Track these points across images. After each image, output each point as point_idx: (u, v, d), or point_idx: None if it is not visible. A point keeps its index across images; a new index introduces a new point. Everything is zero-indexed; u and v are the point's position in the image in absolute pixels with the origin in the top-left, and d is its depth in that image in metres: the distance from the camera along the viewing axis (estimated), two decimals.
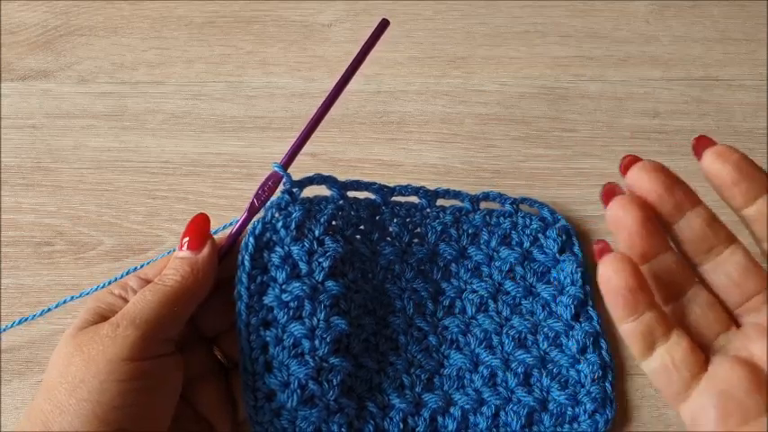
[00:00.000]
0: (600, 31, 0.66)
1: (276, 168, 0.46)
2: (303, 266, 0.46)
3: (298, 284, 0.46)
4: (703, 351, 0.37)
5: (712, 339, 0.37)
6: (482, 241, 0.54)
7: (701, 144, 0.36)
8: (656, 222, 0.36)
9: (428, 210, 0.53)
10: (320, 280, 0.47)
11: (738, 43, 0.65)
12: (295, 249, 0.46)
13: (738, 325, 0.38)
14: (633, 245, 0.36)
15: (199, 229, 0.46)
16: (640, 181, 0.36)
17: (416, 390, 0.50)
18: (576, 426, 0.51)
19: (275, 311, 0.46)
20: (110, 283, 0.50)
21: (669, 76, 0.64)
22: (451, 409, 0.50)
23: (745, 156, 0.35)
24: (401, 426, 0.49)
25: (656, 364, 0.36)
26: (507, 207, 0.55)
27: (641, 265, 0.36)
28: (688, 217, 0.36)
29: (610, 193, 0.37)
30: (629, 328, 0.36)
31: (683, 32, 0.66)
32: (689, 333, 0.37)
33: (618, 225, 0.36)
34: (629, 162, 0.37)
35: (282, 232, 0.47)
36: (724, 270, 0.37)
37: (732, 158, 0.35)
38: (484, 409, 0.50)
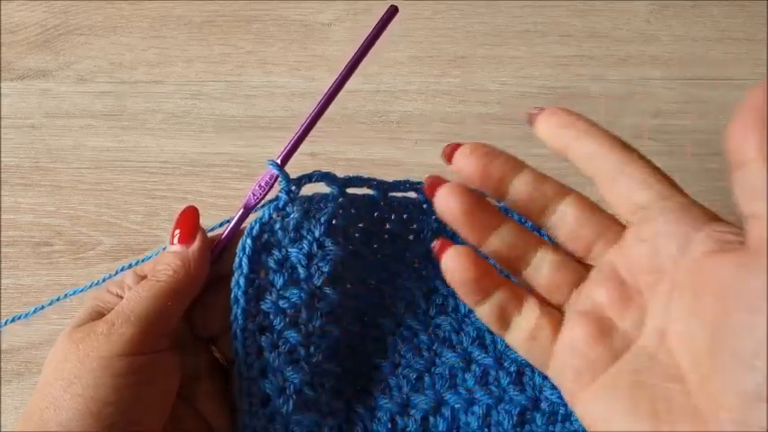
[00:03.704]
0: (600, 30, 0.66)
1: (270, 165, 0.46)
2: (302, 271, 0.46)
3: (296, 291, 0.46)
4: (560, 313, 0.37)
5: (567, 299, 0.38)
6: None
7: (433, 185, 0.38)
8: (483, 201, 0.38)
9: (425, 206, 0.52)
10: (319, 285, 0.46)
11: (739, 43, 0.65)
12: (293, 252, 0.46)
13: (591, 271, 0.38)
14: (464, 230, 0.37)
15: (188, 221, 0.46)
16: (461, 164, 0.38)
17: (404, 390, 0.50)
18: (568, 425, 0.51)
19: (271, 317, 0.46)
20: (104, 280, 0.50)
21: (669, 75, 0.64)
22: (442, 409, 0.50)
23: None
24: (389, 426, 0.49)
25: (515, 336, 0.38)
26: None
27: (483, 245, 0.38)
28: (514, 185, 0.37)
29: (433, 185, 0.38)
30: (482, 311, 0.38)
31: (683, 32, 0.66)
32: (543, 297, 0.38)
33: (446, 214, 0.37)
34: (451, 150, 0.38)
35: (280, 234, 0.46)
36: (562, 225, 0.37)
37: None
38: (475, 408, 0.50)
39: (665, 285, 0.33)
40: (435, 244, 0.38)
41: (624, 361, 0.34)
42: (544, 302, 0.38)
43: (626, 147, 0.36)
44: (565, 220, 0.37)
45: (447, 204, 0.37)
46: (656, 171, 0.35)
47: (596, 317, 0.36)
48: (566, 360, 0.36)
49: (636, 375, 0.33)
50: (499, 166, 0.38)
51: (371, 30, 0.47)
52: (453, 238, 0.54)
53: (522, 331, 0.37)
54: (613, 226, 0.37)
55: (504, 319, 0.38)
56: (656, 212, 0.34)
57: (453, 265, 0.37)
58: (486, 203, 0.38)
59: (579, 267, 0.38)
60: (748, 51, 0.65)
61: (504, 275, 0.38)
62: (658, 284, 0.34)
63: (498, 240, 0.38)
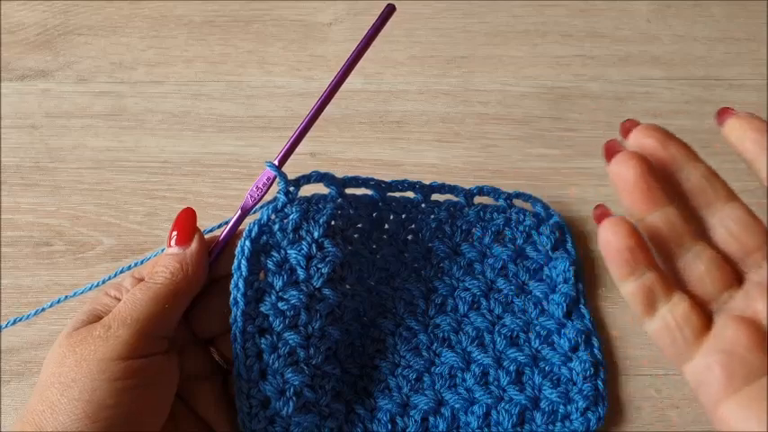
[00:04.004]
0: (601, 30, 0.66)
1: (268, 166, 0.46)
2: (301, 272, 0.46)
3: (295, 293, 0.46)
4: (706, 310, 0.37)
5: (716, 297, 0.37)
6: (475, 238, 0.54)
7: (724, 113, 0.38)
8: (657, 176, 0.36)
9: (423, 205, 0.52)
10: (318, 286, 0.46)
11: (739, 43, 0.65)
12: (292, 253, 0.46)
13: (742, 282, 0.37)
14: (635, 198, 0.36)
15: (186, 223, 0.46)
16: (639, 140, 0.38)
17: (404, 390, 0.50)
18: (567, 424, 0.51)
19: (271, 319, 0.46)
20: (104, 281, 0.50)
21: (670, 75, 0.64)
22: (442, 409, 0.50)
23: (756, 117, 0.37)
24: (389, 426, 0.49)
25: (658, 325, 0.37)
26: (501, 202, 0.55)
27: (647, 217, 0.37)
28: (686, 170, 0.37)
29: (611, 149, 0.38)
30: (630, 288, 0.36)
31: (684, 32, 0.66)
32: (692, 291, 0.37)
33: (619, 179, 0.36)
34: (629, 125, 0.38)
35: (279, 235, 0.46)
36: (725, 225, 0.37)
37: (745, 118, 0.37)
38: (475, 408, 0.50)
39: None
40: (595, 210, 0.38)
41: None
42: (694, 297, 0.37)
43: None
44: (729, 221, 0.37)
45: (624, 169, 0.36)
46: None
47: (755, 324, 0.35)
48: (718, 360, 0.35)
49: None
50: (674, 148, 0.37)
51: (369, 29, 0.47)
52: (452, 238, 0.54)
53: (669, 320, 0.36)
54: None
55: (651, 303, 0.36)
56: None
57: (611, 231, 0.36)
58: (660, 178, 0.37)
59: (732, 271, 0.37)
60: (749, 51, 0.65)
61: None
62: None
63: (662, 217, 0.37)
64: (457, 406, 0.50)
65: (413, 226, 0.52)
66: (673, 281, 0.37)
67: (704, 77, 0.64)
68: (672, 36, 0.65)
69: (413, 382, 0.50)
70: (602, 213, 0.37)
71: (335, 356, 0.49)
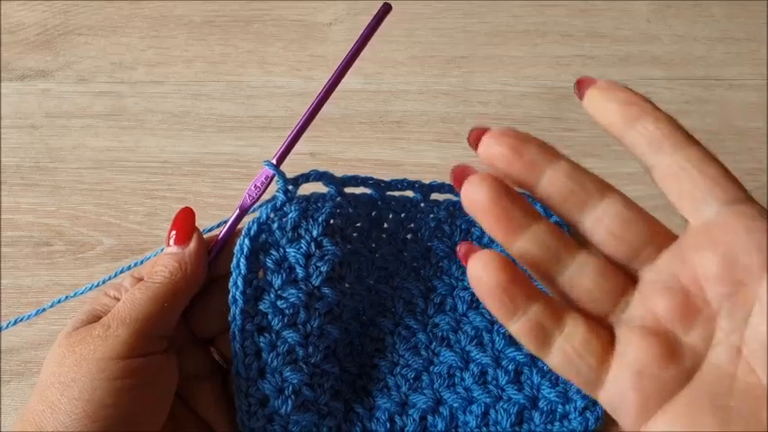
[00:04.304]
0: (601, 30, 0.66)
1: (266, 165, 0.46)
2: (300, 271, 0.46)
3: (294, 291, 0.46)
4: (605, 325, 0.33)
5: (611, 309, 0.33)
6: (474, 237, 0.54)
7: (583, 85, 0.34)
8: (515, 193, 0.33)
9: (422, 204, 0.52)
10: (317, 285, 0.46)
11: (739, 43, 0.65)
12: (291, 252, 0.46)
13: (635, 283, 0.34)
14: (492, 225, 0.33)
15: (185, 223, 0.46)
16: (488, 149, 0.33)
17: (402, 389, 0.50)
18: (566, 423, 0.50)
19: (270, 317, 0.46)
20: (104, 281, 0.50)
21: (670, 75, 0.64)
22: (441, 408, 0.50)
23: (619, 85, 0.33)
24: (388, 425, 0.49)
25: (558, 359, 0.33)
26: None
27: (513, 244, 0.33)
28: (548, 175, 0.33)
29: (460, 175, 0.34)
30: (516, 329, 0.33)
31: (684, 32, 0.66)
32: (585, 309, 0.33)
33: (473, 208, 0.33)
34: (477, 135, 0.34)
35: (278, 234, 0.46)
36: (604, 226, 0.33)
37: (606, 89, 0.33)
38: (474, 407, 0.50)
39: (743, 297, 0.30)
40: (460, 248, 0.34)
41: (698, 382, 0.31)
42: (587, 316, 0.33)
43: (692, 139, 0.32)
44: (607, 219, 0.33)
45: (476, 194, 0.33)
46: (727, 171, 0.31)
47: (659, 332, 0.32)
48: (630, 383, 0.32)
49: (717, 399, 0.30)
50: (533, 152, 0.33)
51: (365, 28, 0.47)
52: (451, 237, 0.54)
53: (568, 352, 0.32)
54: (662, 230, 0.33)
55: (544, 338, 0.33)
56: (731, 218, 0.31)
57: (481, 270, 0.32)
58: (519, 197, 0.33)
59: (622, 275, 0.33)
60: (749, 51, 0.65)
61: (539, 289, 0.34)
62: (734, 296, 0.31)
63: (531, 240, 0.33)
64: (455, 405, 0.50)
65: (412, 225, 0.52)
66: (560, 305, 0.33)
67: (704, 77, 0.64)
68: (672, 36, 0.65)
69: (411, 381, 0.50)
70: (468, 250, 0.33)
71: (334, 355, 0.48)
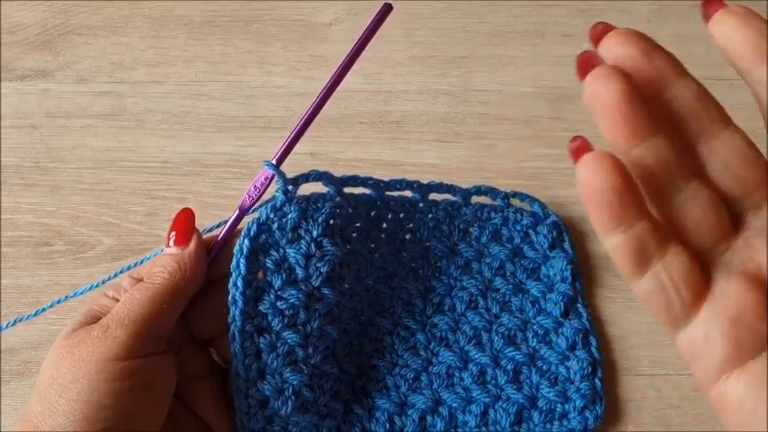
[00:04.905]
0: None
1: (266, 166, 0.46)
2: (300, 271, 0.46)
3: (294, 292, 0.46)
4: (704, 264, 0.31)
5: (713, 247, 0.31)
6: (472, 237, 0.54)
7: (710, 7, 0.30)
8: (642, 97, 0.30)
9: (421, 204, 0.52)
10: (317, 286, 0.46)
11: None
12: (291, 252, 0.46)
13: (739, 226, 0.31)
14: (616, 125, 0.29)
15: (184, 223, 0.46)
16: (614, 47, 0.30)
17: (401, 390, 0.50)
18: (565, 423, 0.51)
19: (269, 318, 0.45)
20: (104, 282, 0.50)
21: None
22: (440, 408, 0.50)
23: (754, 13, 0.30)
24: (387, 426, 0.49)
25: (651, 285, 0.30)
26: (498, 202, 0.55)
27: (632, 149, 0.30)
28: (673, 89, 0.31)
29: (587, 63, 0.30)
30: (617, 242, 0.30)
31: (684, 32, 0.65)
32: (687, 241, 0.31)
33: (598, 102, 0.29)
34: (601, 30, 0.31)
35: (278, 234, 0.46)
36: (721, 157, 0.31)
37: (740, 14, 0.30)
38: (473, 407, 0.50)
39: None
40: (572, 143, 0.30)
41: None
42: (690, 249, 0.30)
43: None
44: (727, 152, 0.30)
45: (606, 88, 0.29)
46: None
47: (760, 282, 0.30)
48: (722, 328, 0.29)
49: None
50: (660, 60, 0.30)
51: (366, 28, 0.47)
52: (450, 237, 0.54)
53: (664, 279, 0.30)
54: None
55: (643, 260, 0.30)
56: None
57: (594, 168, 0.28)
58: (645, 101, 0.30)
59: (728, 214, 0.31)
60: None
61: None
62: None
63: (651, 150, 0.30)
64: (454, 405, 0.50)
65: (411, 225, 0.52)
66: (666, 230, 0.30)
67: (704, 77, 0.63)
68: (672, 36, 0.65)
69: (410, 381, 0.50)
70: (580, 147, 0.30)
71: (334, 356, 0.49)
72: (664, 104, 0.30)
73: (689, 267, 0.30)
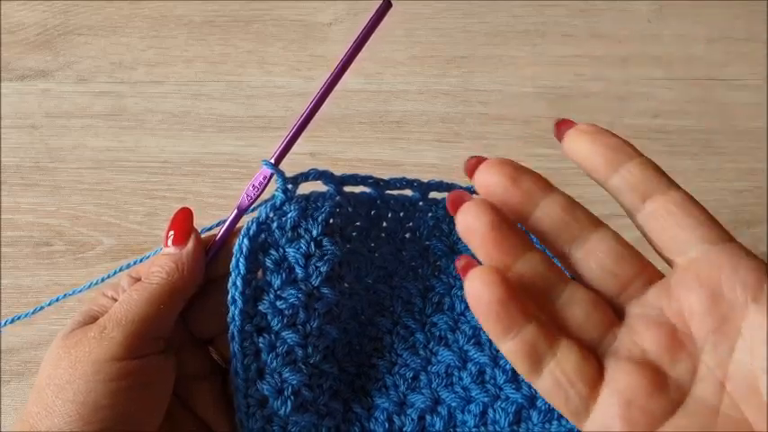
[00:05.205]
0: (601, 30, 0.66)
1: (265, 165, 0.46)
2: (299, 270, 0.46)
3: (293, 292, 0.45)
4: (594, 355, 0.33)
5: (602, 340, 0.34)
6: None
7: (563, 126, 0.35)
8: (510, 223, 0.33)
9: (421, 203, 0.52)
10: (316, 285, 0.46)
11: (739, 43, 0.65)
12: (291, 252, 0.46)
13: (622, 317, 0.34)
14: (490, 251, 0.33)
15: (182, 223, 0.45)
16: (485, 177, 0.34)
17: (401, 389, 0.50)
18: (564, 422, 0.50)
19: (269, 318, 0.45)
20: (103, 280, 0.50)
21: (670, 75, 0.64)
22: (439, 408, 0.50)
23: (601, 129, 0.34)
24: (386, 425, 0.49)
25: (549, 382, 0.32)
26: None
27: (509, 270, 0.33)
28: (542, 206, 0.34)
29: (457, 201, 0.34)
30: (509, 348, 0.32)
31: (684, 32, 0.66)
32: (576, 337, 0.33)
33: (470, 234, 0.33)
34: (474, 164, 0.34)
35: (277, 233, 0.46)
36: (595, 259, 0.34)
37: (589, 132, 0.34)
38: (472, 406, 0.50)
39: (728, 333, 0.31)
40: (459, 262, 0.34)
41: (683, 414, 0.31)
42: (579, 344, 0.33)
43: (673, 182, 0.33)
44: (598, 253, 0.33)
45: (473, 221, 0.33)
46: (710, 214, 0.32)
47: (648, 364, 0.32)
48: (618, 412, 0.31)
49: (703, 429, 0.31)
50: (528, 183, 0.34)
51: (365, 25, 0.47)
52: (449, 236, 0.54)
53: (559, 377, 0.32)
54: (650, 266, 0.34)
55: (537, 360, 0.32)
56: (716, 255, 0.31)
57: (480, 284, 0.32)
58: (514, 225, 0.33)
59: (610, 308, 0.34)
60: (749, 51, 0.65)
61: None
62: (719, 331, 0.31)
63: (525, 268, 0.33)
64: (453, 404, 0.50)
65: (410, 224, 0.52)
66: (554, 329, 0.33)
67: (704, 77, 0.64)
68: (672, 36, 0.65)
69: (410, 380, 0.50)
70: (467, 264, 0.33)
71: (333, 355, 0.48)
72: (536, 222, 0.34)
73: (580, 361, 0.32)
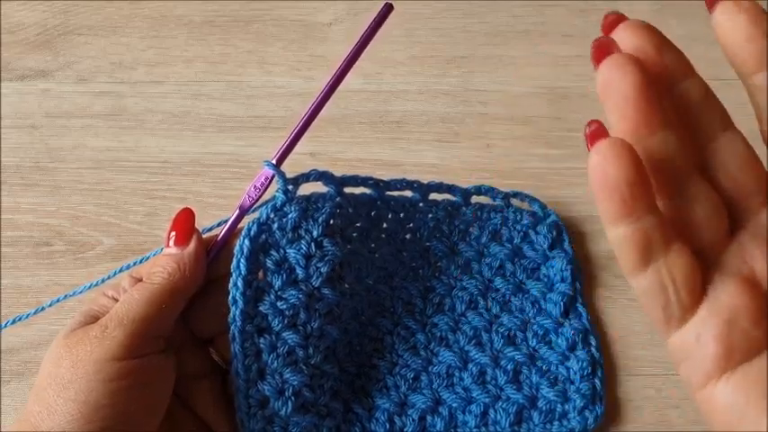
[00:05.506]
0: (601, 30, 0.66)
1: (266, 165, 0.46)
2: (300, 271, 0.46)
3: (294, 292, 0.45)
4: (702, 265, 0.30)
5: (713, 248, 0.31)
6: (472, 237, 0.54)
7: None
8: (656, 90, 0.29)
9: (421, 204, 0.52)
10: (317, 286, 0.46)
11: None
12: (291, 252, 0.46)
13: (736, 229, 0.31)
14: (630, 115, 0.29)
15: (184, 224, 0.46)
16: (627, 39, 0.30)
17: (401, 390, 0.50)
18: (565, 423, 0.51)
19: (270, 318, 0.45)
20: (103, 281, 0.50)
21: None
22: (440, 408, 0.50)
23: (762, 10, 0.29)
24: (387, 426, 0.49)
25: (652, 282, 0.30)
26: (498, 202, 0.55)
27: (647, 139, 0.29)
28: (682, 87, 0.30)
29: (602, 49, 0.29)
30: (623, 234, 0.29)
31: (684, 32, 0.65)
32: (689, 239, 0.30)
33: (611, 90, 0.29)
34: (613, 20, 0.31)
35: (278, 234, 0.46)
36: (720, 159, 0.31)
37: (746, 9, 0.29)
38: (473, 407, 0.50)
39: None
40: (588, 127, 0.29)
41: None
42: (690, 248, 0.30)
43: None
44: (728, 155, 0.31)
45: (619, 78, 0.28)
46: None
47: (757, 287, 0.30)
48: (716, 331, 0.29)
49: None
50: (673, 57, 0.30)
51: (366, 28, 0.47)
52: (450, 237, 0.54)
53: (665, 277, 0.29)
54: None
55: (646, 255, 0.29)
56: None
57: (608, 157, 0.28)
58: (657, 94, 0.29)
59: (727, 216, 0.31)
60: None
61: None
62: None
63: (659, 147, 0.29)
64: (454, 405, 0.50)
65: (411, 225, 0.52)
66: (671, 228, 0.30)
67: (704, 77, 0.63)
68: (672, 36, 0.65)
69: (410, 381, 0.50)
70: (596, 131, 0.29)
71: (334, 356, 0.49)
72: (672, 101, 0.30)
73: (690, 268, 0.29)
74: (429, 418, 0.50)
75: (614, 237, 0.29)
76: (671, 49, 0.30)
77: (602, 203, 0.29)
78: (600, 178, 0.28)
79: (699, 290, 0.30)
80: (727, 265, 0.30)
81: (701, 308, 0.30)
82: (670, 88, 0.30)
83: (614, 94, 0.28)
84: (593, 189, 0.29)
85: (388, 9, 0.47)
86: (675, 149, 0.29)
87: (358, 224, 0.50)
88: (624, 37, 0.30)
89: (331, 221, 0.48)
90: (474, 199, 0.55)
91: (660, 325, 0.31)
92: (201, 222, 0.48)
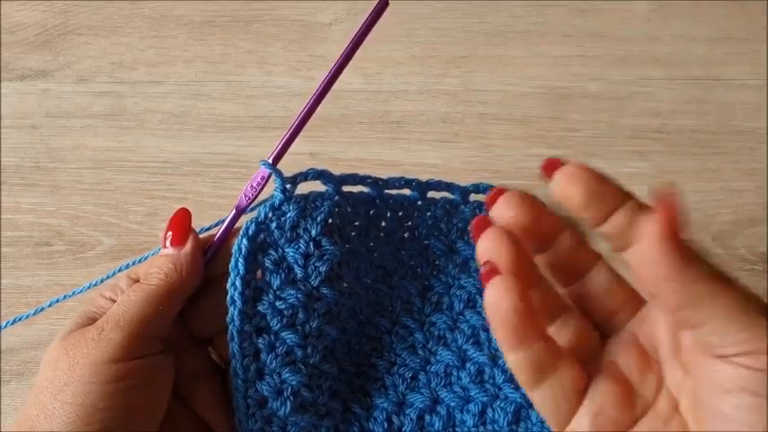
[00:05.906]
0: (601, 30, 0.66)
1: (263, 165, 0.46)
2: (298, 270, 0.46)
3: (293, 292, 0.45)
4: (585, 371, 0.37)
5: (591, 355, 0.38)
6: (471, 235, 0.54)
7: (551, 166, 0.35)
8: (528, 255, 0.36)
9: (419, 203, 0.52)
10: (316, 285, 0.46)
11: (739, 43, 0.65)
12: (290, 252, 0.46)
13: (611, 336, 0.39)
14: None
15: (180, 224, 0.45)
16: (511, 214, 0.36)
17: (400, 389, 0.50)
18: None
19: (268, 318, 0.45)
20: (103, 281, 0.50)
21: (670, 75, 0.64)
22: (438, 408, 0.50)
23: (595, 174, 0.34)
24: (386, 425, 0.49)
25: (545, 396, 0.36)
26: None
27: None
28: (559, 241, 0.37)
29: (481, 225, 0.37)
30: (518, 359, 0.35)
31: (684, 32, 0.65)
32: (572, 357, 0.36)
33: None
34: (495, 194, 0.37)
35: (276, 233, 0.46)
36: (593, 289, 0.38)
37: (583, 179, 0.34)
38: (471, 406, 0.50)
39: (680, 362, 0.35)
40: (483, 267, 0.35)
41: (642, 425, 0.35)
42: (575, 361, 0.36)
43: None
44: (596, 285, 0.38)
45: (497, 246, 0.35)
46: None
47: (623, 382, 0.36)
48: (588, 421, 0.35)
49: None
50: (549, 220, 0.37)
51: (362, 24, 0.47)
52: (448, 235, 0.54)
53: (557, 391, 0.36)
54: (636, 297, 0.38)
55: (539, 375, 0.35)
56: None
57: (502, 294, 0.34)
58: (529, 257, 0.37)
59: (596, 333, 0.39)
60: (749, 51, 0.65)
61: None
62: (674, 360, 0.35)
63: (535, 297, 0.37)
64: (452, 404, 0.50)
65: (409, 223, 0.52)
66: (559, 348, 0.36)
67: (704, 77, 0.64)
68: (672, 36, 0.65)
69: (409, 380, 0.50)
70: (490, 270, 0.34)
71: (332, 355, 0.48)
72: (553, 252, 0.37)
73: (576, 379, 0.35)
74: (427, 417, 0.50)
75: (511, 362, 0.35)
76: (546, 212, 0.36)
77: (497, 332, 0.34)
78: (495, 310, 0.34)
79: (581, 393, 0.36)
80: (600, 369, 0.37)
81: (582, 405, 0.36)
82: (549, 241, 0.37)
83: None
84: (490, 322, 0.34)
85: (383, 5, 0.47)
86: (548, 294, 0.38)
87: (356, 223, 0.50)
88: (506, 207, 0.36)
89: (329, 220, 0.47)
90: (473, 197, 0.55)
91: (553, 426, 0.37)
92: (201, 222, 0.48)
